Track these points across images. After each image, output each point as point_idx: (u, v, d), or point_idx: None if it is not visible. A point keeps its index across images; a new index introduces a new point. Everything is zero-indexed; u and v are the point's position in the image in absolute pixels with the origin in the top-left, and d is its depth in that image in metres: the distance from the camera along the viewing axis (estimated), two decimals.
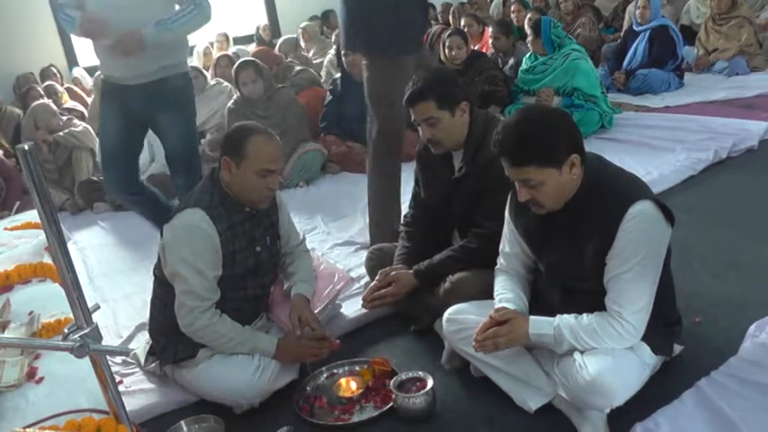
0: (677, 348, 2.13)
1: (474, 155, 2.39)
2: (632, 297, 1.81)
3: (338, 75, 5.08)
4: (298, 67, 5.79)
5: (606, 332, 1.82)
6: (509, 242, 2.13)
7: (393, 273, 2.49)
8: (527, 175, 1.82)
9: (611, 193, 1.83)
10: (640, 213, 1.78)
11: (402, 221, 2.79)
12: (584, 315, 1.88)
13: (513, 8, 7.29)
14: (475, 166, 2.38)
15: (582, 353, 1.85)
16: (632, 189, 1.84)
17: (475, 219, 2.42)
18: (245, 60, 4.91)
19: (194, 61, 6.97)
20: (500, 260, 2.17)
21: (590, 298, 1.88)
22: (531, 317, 1.95)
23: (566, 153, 1.80)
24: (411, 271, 2.48)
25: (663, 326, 1.99)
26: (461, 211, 2.47)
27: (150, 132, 4.68)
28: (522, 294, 2.08)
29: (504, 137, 1.83)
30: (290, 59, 6.37)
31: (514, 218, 2.08)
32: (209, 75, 5.74)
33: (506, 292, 2.07)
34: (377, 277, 2.53)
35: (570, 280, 1.96)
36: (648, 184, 3.69)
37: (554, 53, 4.87)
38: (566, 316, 1.90)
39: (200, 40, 8.06)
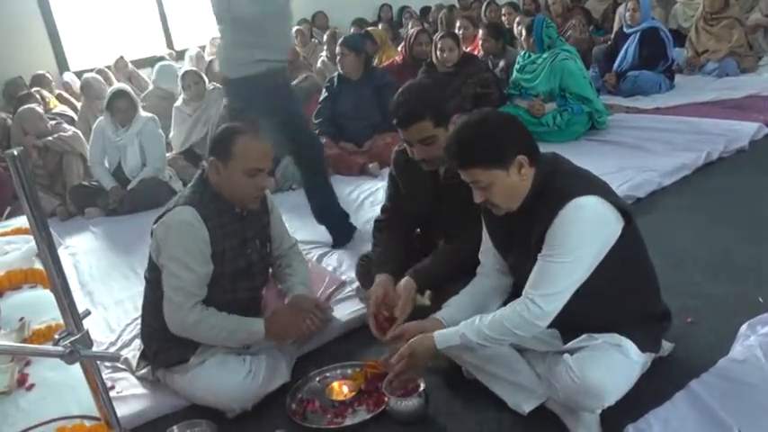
0: (667, 346, 2.14)
1: None
2: (547, 281, 1.81)
3: (335, 73, 5.08)
4: (302, 75, 5.72)
5: (511, 321, 1.84)
6: (485, 242, 2.16)
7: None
8: (474, 176, 1.86)
9: (557, 189, 1.84)
10: (579, 206, 1.79)
11: (375, 226, 2.69)
12: (491, 312, 1.91)
13: (503, 11, 7.31)
14: None
15: (571, 354, 1.85)
16: (579, 186, 1.84)
17: (464, 221, 2.36)
18: None
19: (186, 65, 6.95)
20: (480, 263, 2.19)
21: None
22: (437, 332, 1.98)
23: (511, 154, 1.83)
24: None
25: (648, 321, 1.99)
26: (449, 216, 2.42)
27: (143, 137, 4.72)
28: (471, 303, 2.10)
29: (450, 141, 1.90)
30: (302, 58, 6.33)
31: (484, 217, 2.11)
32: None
33: (451, 302, 2.13)
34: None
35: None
36: (640, 186, 3.76)
37: (543, 53, 4.89)
38: (471, 319, 1.92)
39: (191, 43, 8.07)
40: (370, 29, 7.16)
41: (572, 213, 1.78)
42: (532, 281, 1.84)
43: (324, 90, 5.09)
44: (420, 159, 2.36)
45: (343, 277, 3.06)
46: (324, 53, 7.10)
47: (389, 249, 2.54)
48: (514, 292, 2.13)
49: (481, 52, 5.75)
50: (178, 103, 5.37)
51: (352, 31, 8.20)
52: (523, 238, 1.92)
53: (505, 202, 1.89)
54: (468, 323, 1.91)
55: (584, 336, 1.89)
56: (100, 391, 1.55)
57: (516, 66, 5.10)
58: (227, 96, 3.23)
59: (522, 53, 5.14)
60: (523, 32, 5.03)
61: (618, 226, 1.86)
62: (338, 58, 4.88)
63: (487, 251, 2.15)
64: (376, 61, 6.41)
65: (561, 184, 1.85)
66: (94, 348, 1.51)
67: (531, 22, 4.95)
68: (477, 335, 1.88)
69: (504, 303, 2.10)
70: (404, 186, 2.58)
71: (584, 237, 1.80)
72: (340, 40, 5.12)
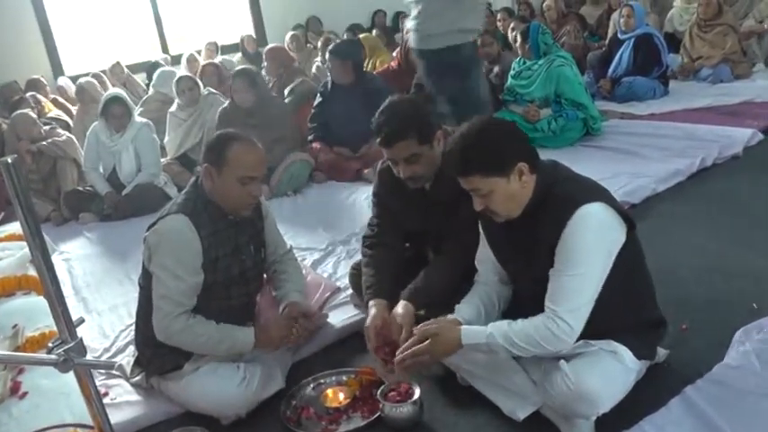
0: (662, 353, 2.14)
1: (446, 172, 2.30)
2: (569, 296, 1.80)
3: (327, 79, 5.09)
4: (298, 79, 5.75)
5: (540, 334, 1.82)
6: (484, 247, 2.14)
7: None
8: (474, 184, 1.86)
9: (560, 196, 1.84)
10: (587, 215, 1.78)
11: (363, 243, 2.59)
12: (520, 320, 1.88)
13: (499, 16, 7.33)
14: (449, 182, 2.31)
15: (567, 361, 1.85)
16: (582, 192, 1.85)
17: (454, 234, 2.33)
18: (241, 69, 4.93)
19: (182, 70, 6.95)
20: (477, 271, 2.18)
21: None
22: (464, 326, 1.95)
23: (511, 162, 1.83)
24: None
25: (644, 328, 2.00)
26: (439, 230, 2.39)
27: (138, 142, 4.72)
28: (481, 306, 2.08)
29: (451, 149, 1.89)
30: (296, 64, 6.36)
31: (482, 225, 2.10)
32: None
33: (462, 305, 2.09)
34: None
35: (533, 286, 1.96)
36: (634, 192, 3.76)
37: (539, 59, 4.90)
38: (499, 322, 1.90)
39: (186, 48, 8.07)
40: (361, 35, 7.16)
41: (580, 223, 1.78)
42: (553, 297, 1.83)
43: (318, 95, 5.10)
44: (406, 178, 2.30)
45: (338, 284, 3.05)
46: (318, 59, 7.11)
47: (380, 270, 2.44)
48: (514, 301, 2.13)
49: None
50: (173, 108, 5.36)
51: (345, 36, 8.25)
52: (526, 246, 1.91)
53: (506, 209, 1.89)
54: (496, 325, 1.89)
55: (580, 342, 1.88)
56: (93, 398, 1.54)
57: (511, 72, 5.12)
58: (423, 67, 3.28)
59: (517, 59, 5.16)
60: (518, 39, 5.05)
61: (623, 232, 1.87)
62: (327, 65, 4.90)
63: (485, 261, 2.14)
64: (370, 66, 6.42)
65: (564, 192, 1.85)
66: (88, 355, 1.51)
67: (527, 28, 4.97)
68: (505, 339, 1.85)
69: (504, 313, 2.10)
70: (391, 204, 2.53)
71: (594, 245, 1.80)
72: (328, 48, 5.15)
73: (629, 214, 1.90)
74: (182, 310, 2.21)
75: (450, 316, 2.05)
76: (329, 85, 5.00)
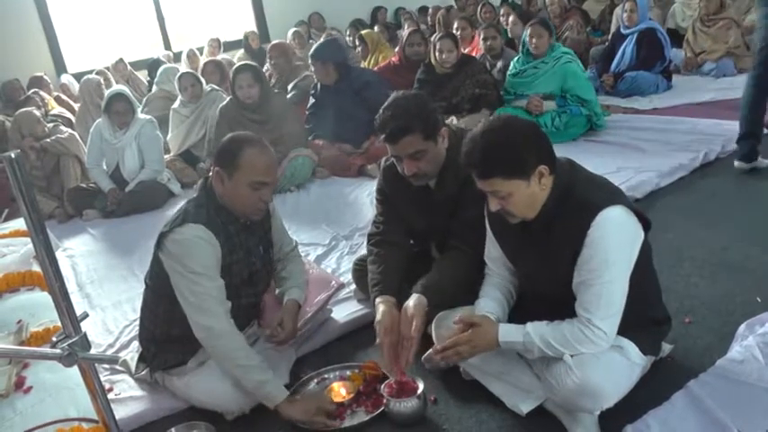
0: (666, 348, 2.14)
1: (450, 169, 2.30)
2: (601, 303, 1.80)
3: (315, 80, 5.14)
4: (301, 75, 5.77)
5: (577, 338, 1.81)
6: (492, 245, 2.13)
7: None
8: (494, 186, 1.82)
9: (580, 200, 1.82)
10: (608, 219, 1.77)
11: (368, 240, 2.55)
12: (556, 322, 1.87)
13: (502, 11, 7.32)
14: (453, 180, 2.30)
15: (571, 356, 1.85)
16: (601, 195, 1.83)
17: (459, 232, 2.32)
18: (245, 64, 4.93)
19: (183, 66, 6.95)
20: (487, 264, 2.17)
21: (565, 305, 1.88)
22: (502, 324, 1.94)
23: (533, 164, 1.80)
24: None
25: (650, 325, 2.00)
26: (444, 228, 2.37)
27: (141, 139, 4.73)
28: (503, 299, 2.08)
29: (470, 149, 1.84)
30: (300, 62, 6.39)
31: (491, 224, 2.09)
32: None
33: (485, 300, 2.07)
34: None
35: (545, 287, 1.96)
36: (637, 187, 3.75)
37: (544, 57, 4.88)
38: (537, 323, 1.89)
39: (188, 44, 8.07)
40: (364, 32, 7.17)
41: (602, 230, 1.77)
42: (585, 305, 1.81)
43: (311, 96, 5.12)
44: (411, 175, 2.28)
45: (342, 279, 3.06)
46: None
47: (387, 267, 2.40)
48: (522, 296, 2.13)
49: (481, 51, 5.76)
50: (175, 105, 5.37)
51: (347, 32, 8.26)
52: (542, 248, 1.90)
53: (523, 211, 1.87)
54: (535, 325, 1.88)
55: None
56: (98, 393, 1.55)
57: (512, 70, 5.07)
58: None
59: (516, 58, 5.11)
60: (536, 33, 4.88)
61: (641, 232, 1.86)
62: (310, 68, 4.99)
63: (495, 257, 2.13)
64: (372, 62, 6.43)
65: (583, 195, 1.83)
66: (92, 350, 1.51)
67: (545, 24, 4.91)
68: (541, 339, 1.85)
69: (510, 310, 2.10)
70: (395, 201, 2.51)
71: (619, 250, 1.79)
72: None
73: (644, 214, 1.89)
74: (226, 307, 2.16)
75: (481, 311, 2.02)
76: (318, 88, 5.02)
